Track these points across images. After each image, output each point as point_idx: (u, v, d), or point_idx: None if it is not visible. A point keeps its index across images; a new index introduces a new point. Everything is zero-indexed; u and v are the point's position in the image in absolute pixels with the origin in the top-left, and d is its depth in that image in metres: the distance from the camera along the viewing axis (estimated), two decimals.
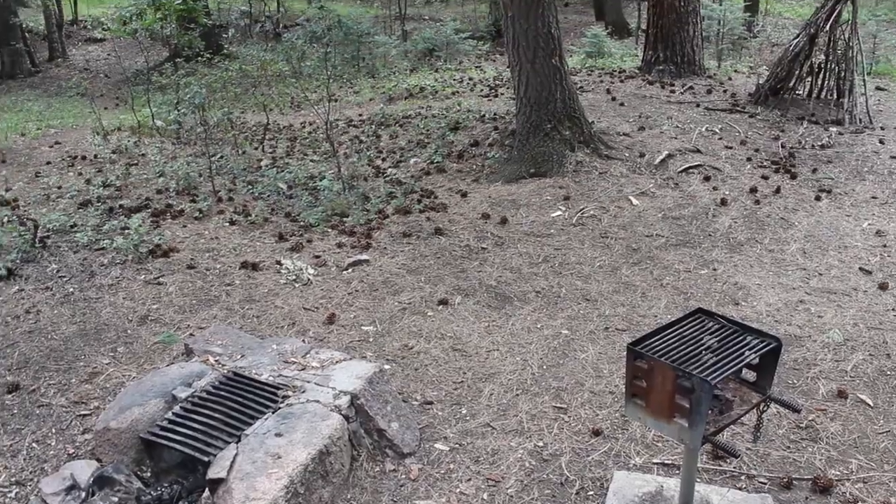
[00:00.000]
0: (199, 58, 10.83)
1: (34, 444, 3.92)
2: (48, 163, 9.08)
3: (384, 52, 17.15)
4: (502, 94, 11.71)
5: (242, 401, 3.77)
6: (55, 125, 11.93)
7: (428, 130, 9.85)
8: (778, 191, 7.32)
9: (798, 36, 9.77)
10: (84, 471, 3.44)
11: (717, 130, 8.90)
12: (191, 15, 11.76)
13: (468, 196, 7.54)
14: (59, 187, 7.95)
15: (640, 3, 18.71)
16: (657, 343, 2.81)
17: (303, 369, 4.09)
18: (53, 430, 4.02)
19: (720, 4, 16.16)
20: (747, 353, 2.75)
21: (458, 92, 12.52)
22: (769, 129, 9.07)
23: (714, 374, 2.58)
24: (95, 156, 9.29)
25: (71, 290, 5.58)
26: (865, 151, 8.36)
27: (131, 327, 5.10)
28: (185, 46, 11.47)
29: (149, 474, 3.60)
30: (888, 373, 4.45)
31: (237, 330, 4.78)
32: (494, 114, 10.09)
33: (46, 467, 3.75)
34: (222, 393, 3.83)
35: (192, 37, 11.42)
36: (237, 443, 3.45)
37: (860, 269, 5.84)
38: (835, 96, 9.72)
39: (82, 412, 4.18)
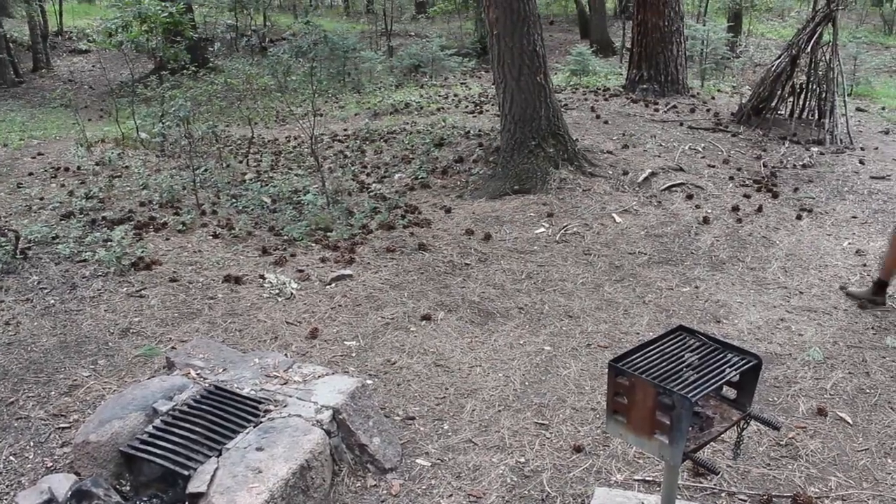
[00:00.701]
0: (185, 71, 10.82)
1: (11, 458, 3.87)
2: (30, 174, 9.02)
3: (370, 67, 17.23)
4: (487, 110, 11.77)
5: (224, 415, 3.74)
6: (38, 136, 11.84)
7: (413, 146, 9.87)
8: (760, 209, 7.39)
9: (780, 57, 9.91)
10: (62, 484, 3.40)
11: (700, 149, 8.99)
12: (177, 28, 11.74)
13: (452, 212, 7.56)
14: (42, 199, 7.89)
15: (625, 22, 18.88)
16: (638, 360, 2.82)
17: (285, 383, 4.08)
18: (31, 443, 3.98)
19: (704, 24, 16.38)
20: (728, 370, 2.77)
21: (443, 108, 12.57)
22: (751, 149, 9.17)
23: (694, 392, 2.59)
24: (79, 167, 9.24)
25: (52, 301, 5.54)
26: (846, 171, 8.47)
27: (112, 340, 5.06)
28: (170, 59, 11.45)
29: (128, 488, 3.56)
30: (867, 391, 4.48)
31: (219, 343, 4.75)
32: (479, 130, 10.14)
33: (24, 481, 3.70)
34: (203, 407, 3.81)
35: (178, 50, 11.40)
36: (218, 457, 3.43)
37: (840, 287, 5.89)
38: (816, 117, 9.86)
39: (61, 425, 4.13)
